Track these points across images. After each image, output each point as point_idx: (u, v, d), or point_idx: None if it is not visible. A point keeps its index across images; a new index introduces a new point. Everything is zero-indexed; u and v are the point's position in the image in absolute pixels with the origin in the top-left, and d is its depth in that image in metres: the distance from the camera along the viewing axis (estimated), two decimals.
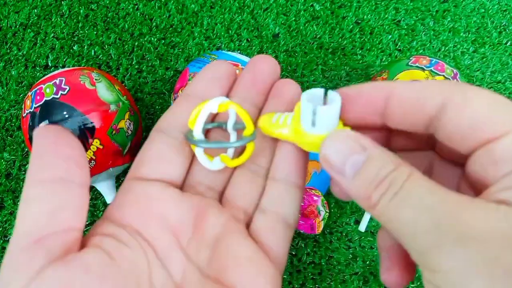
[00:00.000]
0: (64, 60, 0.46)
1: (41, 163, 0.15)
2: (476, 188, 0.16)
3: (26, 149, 0.43)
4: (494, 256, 0.13)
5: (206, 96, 0.20)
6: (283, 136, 0.19)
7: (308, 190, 0.37)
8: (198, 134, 0.19)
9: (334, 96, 0.17)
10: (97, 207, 0.40)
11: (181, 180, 0.20)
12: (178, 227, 0.18)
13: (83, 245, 0.16)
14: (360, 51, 0.46)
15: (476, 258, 0.13)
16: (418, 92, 0.16)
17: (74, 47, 0.46)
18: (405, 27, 0.47)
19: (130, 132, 0.37)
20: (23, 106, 0.36)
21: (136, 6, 0.48)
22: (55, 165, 0.15)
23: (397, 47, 0.47)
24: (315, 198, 0.38)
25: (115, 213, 0.18)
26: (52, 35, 0.47)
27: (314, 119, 0.17)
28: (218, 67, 0.21)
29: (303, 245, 0.40)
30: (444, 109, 0.15)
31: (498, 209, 0.13)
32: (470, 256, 0.13)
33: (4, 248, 0.41)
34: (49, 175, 0.15)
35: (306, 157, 0.20)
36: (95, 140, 0.34)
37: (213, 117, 0.21)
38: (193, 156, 0.20)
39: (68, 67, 0.45)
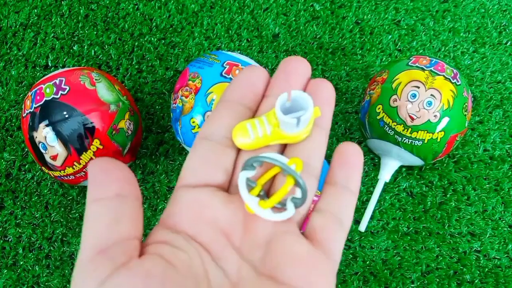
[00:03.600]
0: (64, 60, 0.46)
1: (97, 185, 0.17)
2: None
3: (26, 149, 0.43)
4: None
5: (243, 101, 0.21)
6: (268, 143, 0.20)
7: None
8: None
9: (300, 95, 0.19)
10: None
11: (227, 182, 0.20)
12: (229, 228, 0.19)
13: (142, 252, 0.17)
14: (360, 51, 0.46)
15: None
16: None
17: (74, 47, 0.46)
18: (405, 27, 0.47)
19: (130, 132, 0.37)
20: (23, 106, 0.36)
21: (136, 6, 0.48)
22: (109, 185, 0.17)
23: (397, 47, 0.47)
24: (315, 198, 0.38)
25: (169, 221, 0.19)
26: (52, 35, 0.47)
27: (297, 123, 0.19)
28: (253, 72, 0.22)
29: None
30: None
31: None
32: None
33: (4, 248, 0.41)
34: (105, 193, 0.17)
35: (361, 166, 0.21)
36: (95, 140, 0.34)
37: None
38: (236, 157, 0.21)
39: (68, 67, 0.45)
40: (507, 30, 0.48)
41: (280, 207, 0.19)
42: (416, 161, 0.38)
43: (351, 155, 0.20)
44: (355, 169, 0.21)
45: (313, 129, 0.21)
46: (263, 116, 0.20)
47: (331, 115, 0.22)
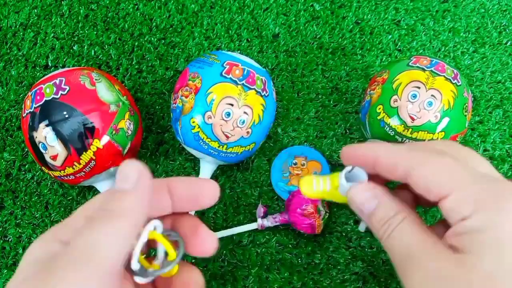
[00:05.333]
0: (64, 60, 0.46)
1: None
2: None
3: (26, 149, 0.43)
4: None
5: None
6: (323, 197, 0.27)
7: None
8: (135, 265, 0.21)
9: (359, 171, 0.26)
10: None
11: None
12: None
13: None
14: (360, 51, 0.46)
15: None
16: (392, 160, 0.24)
17: (74, 47, 0.46)
18: (405, 27, 0.47)
19: (130, 132, 0.37)
20: (23, 106, 0.36)
21: (136, 6, 0.48)
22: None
23: (397, 47, 0.47)
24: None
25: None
26: (52, 35, 0.47)
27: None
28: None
29: (303, 245, 0.40)
30: (407, 174, 0.23)
31: (450, 257, 0.21)
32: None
33: (4, 248, 0.41)
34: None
35: None
36: (95, 140, 0.34)
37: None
38: None
39: (68, 67, 0.45)
40: (507, 30, 0.48)
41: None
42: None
43: None
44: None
45: None
46: (327, 176, 0.27)
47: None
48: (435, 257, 0.21)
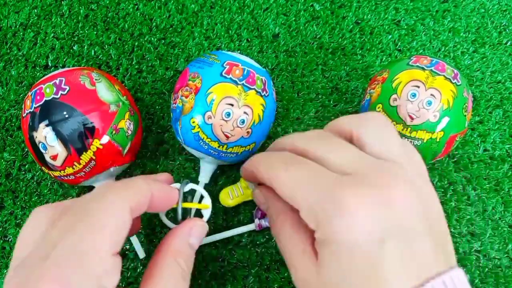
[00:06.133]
0: (64, 60, 0.46)
1: None
2: None
3: (26, 149, 0.43)
4: None
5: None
6: (244, 199, 0.38)
7: None
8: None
9: None
10: None
11: None
12: None
13: None
14: (360, 51, 0.46)
15: None
16: (257, 172, 0.28)
17: (74, 47, 0.46)
18: (405, 27, 0.47)
19: (130, 132, 0.37)
20: (23, 106, 0.36)
21: (136, 6, 0.48)
22: None
23: (397, 47, 0.47)
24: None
25: None
26: (52, 35, 0.47)
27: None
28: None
29: None
30: (271, 184, 0.25)
31: (311, 267, 0.23)
32: None
33: (4, 248, 0.41)
34: None
35: None
36: (95, 140, 0.34)
37: None
38: None
39: (68, 67, 0.45)
40: (507, 30, 0.48)
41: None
42: None
43: None
44: None
45: None
46: (237, 182, 0.37)
47: None
48: (300, 265, 0.23)
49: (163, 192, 0.26)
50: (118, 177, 0.40)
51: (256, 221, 0.39)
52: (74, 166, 0.35)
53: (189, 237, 0.27)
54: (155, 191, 0.25)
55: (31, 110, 0.35)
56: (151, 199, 0.25)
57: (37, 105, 0.34)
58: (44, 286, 0.18)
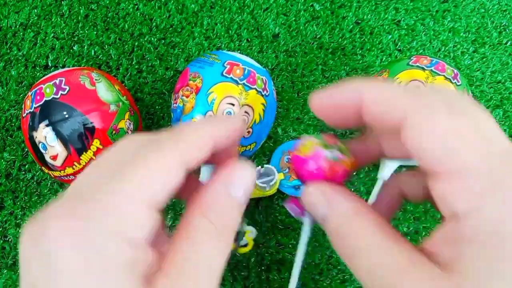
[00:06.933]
0: (64, 60, 0.46)
1: None
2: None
3: (26, 149, 0.43)
4: None
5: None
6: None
7: None
8: None
9: (269, 169, 0.37)
10: None
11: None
12: None
13: None
14: (360, 51, 0.46)
15: None
16: (385, 102, 0.17)
17: (74, 47, 0.46)
18: (405, 27, 0.47)
19: (130, 132, 0.37)
20: (23, 106, 0.36)
21: (136, 6, 0.48)
22: None
23: (397, 47, 0.47)
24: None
25: None
26: (52, 35, 0.47)
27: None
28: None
29: None
30: (405, 126, 0.16)
31: (449, 279, 0.14)
32: None
33: (4, 248, 0.40)
34: None
35: None
36: (95, 140, 0.34)
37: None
38: None
39: (68, 67, 0.45)
40: (507, 30, 0.48)
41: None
42: (415, 160, 0.38)
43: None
44: None
45: None
46: None
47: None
48: (414, 282, 0.15)
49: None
50: None
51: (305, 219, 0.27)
52: (74, 166, 0.35)
53: (228, 186, 0.19)
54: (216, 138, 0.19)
55: (31, 110, 0.35)
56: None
57: (37, 105, 0.34)
58: (54, 222, 0.15)
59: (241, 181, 0.19)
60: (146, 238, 0.16)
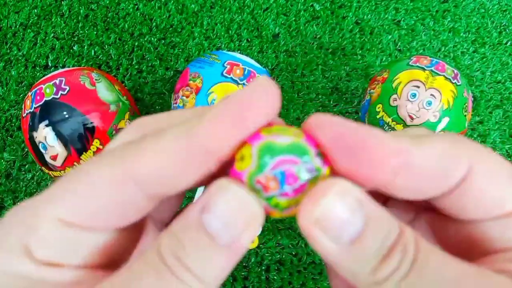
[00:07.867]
0: (64, 60, 0.46)
1: None
2: (465, 245, 0.14)
3: (26, 149, 0.43)
4: None
5: None
6: None
7: None
8: None
9: None
10: None
11: None
12: None
13: None
14: (360, 51, 0.46)
15: None
16: (440, 160, 0.13)
17: (74, 47, 0.46)
18: (405, 27, 0.47)
19: None
20: (23, 106, 0.36)
21: (136, 6, 0.48)
22: None
23: (397, 47, 0.47)
24: None
25: None
26: (52, 35, 0.47)
27: None
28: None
29: (303, 245, 0.40)
30: (465, 180, 0.13)
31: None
32: None
33: None
34: None
35: None
36: (95, 140, 0.34)
37: None
38: None
39: (68, 67, 0.45)
40: (507, 30, 0.48)
41: None
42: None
43: None
44: None
45: None
46: None
47: None
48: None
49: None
50: None
51: None
52: (74, 166, 0.35)
53: (202, 210, 0.12)
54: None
55: (31, 110, 0.35)
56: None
57: (37, 105, 0.34)
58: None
59: (220, 207, 0.12)
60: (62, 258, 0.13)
